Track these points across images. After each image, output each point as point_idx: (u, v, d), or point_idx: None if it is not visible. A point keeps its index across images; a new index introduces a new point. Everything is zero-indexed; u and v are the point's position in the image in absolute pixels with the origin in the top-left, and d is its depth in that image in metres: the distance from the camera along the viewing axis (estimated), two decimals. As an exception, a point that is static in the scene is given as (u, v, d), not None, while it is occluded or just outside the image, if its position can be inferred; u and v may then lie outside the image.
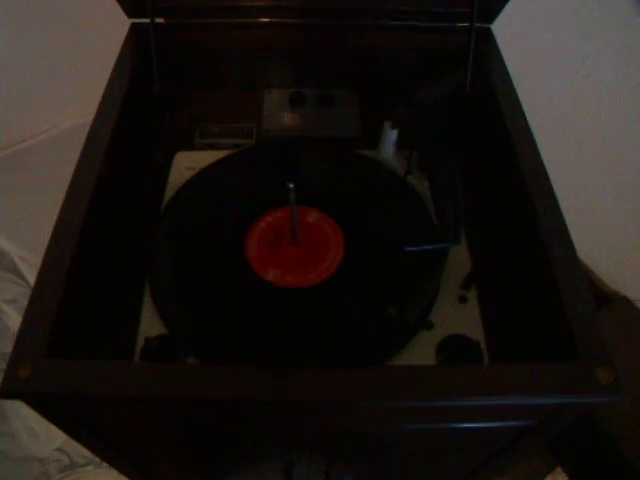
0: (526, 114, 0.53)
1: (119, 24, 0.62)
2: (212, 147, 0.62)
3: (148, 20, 0.58)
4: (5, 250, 1.20)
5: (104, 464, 1.00)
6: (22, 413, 1.06)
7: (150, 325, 0.47)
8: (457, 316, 0.48)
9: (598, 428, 0.91)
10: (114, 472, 0.59)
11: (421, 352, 0.46)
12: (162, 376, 0.38)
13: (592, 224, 0.99)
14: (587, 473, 1.02)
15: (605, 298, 1.09)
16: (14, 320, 1.11)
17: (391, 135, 0.57)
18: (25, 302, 0.40)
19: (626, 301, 1.07)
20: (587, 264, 1.11)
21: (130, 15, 0.61)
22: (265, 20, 0.63)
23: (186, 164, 0.59)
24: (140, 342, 0.45)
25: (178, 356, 0.45)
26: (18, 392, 0.36)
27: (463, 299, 0.49)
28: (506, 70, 0.58)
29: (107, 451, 0.51)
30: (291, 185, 0.45)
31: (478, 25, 0.58)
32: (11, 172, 1.16)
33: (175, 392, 0.37)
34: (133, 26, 0.62)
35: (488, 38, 0.62)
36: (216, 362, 0.45)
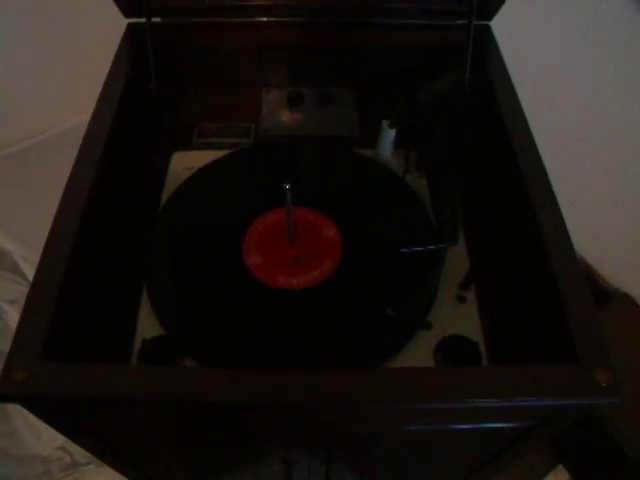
0: (525, 112, 0.53)
1: (116, 24, 0.62)
2: (210, 147, 0.62)
3: (145, 20, 0.57)
4: (6, 249, 1.20)
5: (106, 463, 1.01)
6: (24, 412, 1.05)
7: (148, 327, 0.47)
8: (456, 316, 0.48)
9: (600, 426, 0.91)
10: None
11: (419, 353, 0.46)
12: (159, 378, 0.37)
13: (593, 221, 0.98)
14: (589, 471, 1.02)
15: (606, 295, 1.09)
16: (15, 319, 1.10)
17: (389, 134, 0.57)
18: (26, 302, 0.40)
19: (627, 298, 1.07)
20: (588, 261, 1.10)
21: (127, 15, 0.61)
22: (263, 19, 0.62)
23: (184, 164, 0.59)
24: (137, 344, 0.45)
25: (176, 358, 0.45)
26: (13, 395, 0.36)
27: (462, 299, 0.49)
28: (505, 68, 0.58)
29: (105, 452, 0.51)
30: (287, 185, 0.45)
31: (477, 23, 0.57)
32: (12, 171, 1.16)
33: (173, 395, 0.37)
34: (130, 26, 0.62)
35: (487, 35, 0.62)
36: (214, 364, 0.45)
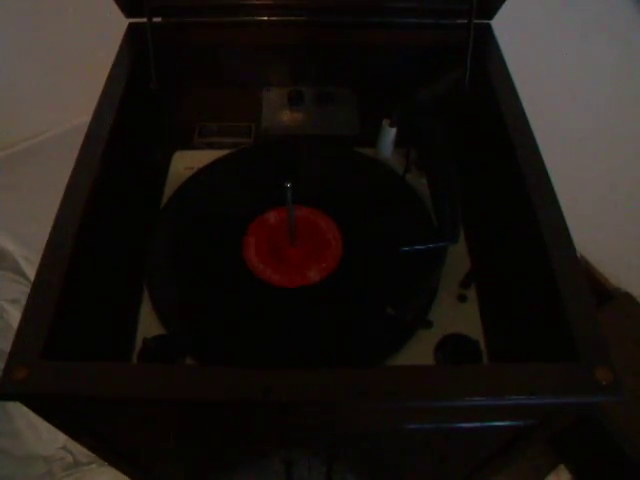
0: (525, 111, 0.53)
1: (117, 24, 0.62)
2: (211, 146, 0.62)
3: (145, 19, 0.57)
4: (8, 249, 1.20)
5: (107, 462, 1.01)
6: (25, 411, 1.05)
7: (148, 326, 0.47)
8: (456, 315, 0.48)
9: (601, 426, 0.91)
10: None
11: (420, 351, 0.46)
12: (160, 377, 0.37)
13: (595, 220, 0.98)
14: (590, 471, 1.02)
15: (607, 294, 1.09)
16: (17, 319, 1.10)
17: (390, 133, 0.57)
18: (28, 302, 0.39)
19: (628, 297, 1.07)
20: (589, 260, 1.10)
21: (128, 15, 0.61)
22: (263, 18, 0.62)
23: (184, 163, 0.59)
24: (138, 343, 0.45)
25: (176, 357, 0.45)
26: (14, 393, 0.36)
27: (462, 298, 0.49)
28: (505, 67, 0.58)
29: (106, 451, 0.51)
30: (288, 184, 0.45)
31: (477, 21, 0.57)
32: (13, 171, 1.16)
33: (173, 393, 0.37)
34: (131, 26, 0.62)
35: (487, 34, 0.62)
36: (215, 363, 0.45)
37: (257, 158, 0.60)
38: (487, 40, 0.61)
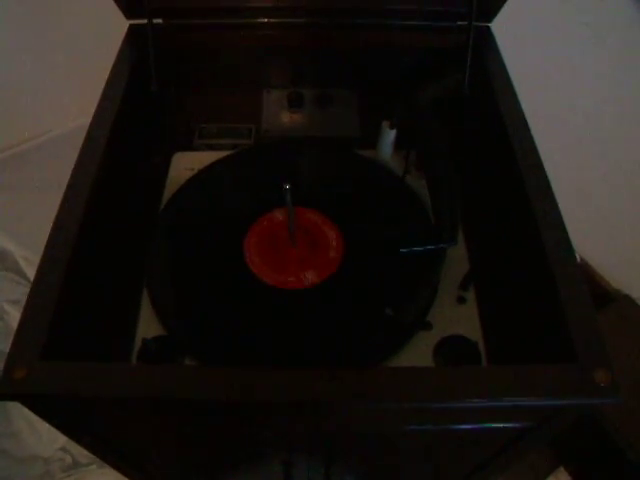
0: (525, 113, 0.53)
1: (118, 25, 0.62)
2: (211, 148, 0.62)
3: (146, 21, 0.58)
4: (8, 250, 1.20)
5: (107, 463, 1.00)
6: (25, 412, 1.06)
7: (148, 326, 0.47)
8: (455, 317, 0.48)
9: (601, 428, 0.91)
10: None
11: (419, 353, 0.46)
12: (159, 377, 0.37)
13: (595, 223, 0.98)
14: (590, 473, 1.02)
15: (608, 297, 1.09)
16: (17, 320, 1.11)
17: (389, 135, 0.57)
18: (28, 302, 0.39)
19: (629, 299, 1.07)
20: (590, 263, 1.10)
21: (128, 16, 0.61)
22: (263, 20, 0.63)
23: (184, 165, 0.60)
24: (137, 344, 0.46)
25: (176, 357, 0.45)
26: (13, 393, 0.36)
27: (461, 300, 0.49)
28: (505, 69, 0.58)
29: (106, 452, 0.51)
30: (287, 186, 0.45)
31: (477, 24, 0.57)
32: (14, 172, 1.16)
33: (172, 394, 0.37)
34: (131, 27, 0.62)
35: (487, 37, 0.62)
36: (214, 363, 0.45)
37: (257, 160, 0.60)
38: (487, 42, 0.61)
